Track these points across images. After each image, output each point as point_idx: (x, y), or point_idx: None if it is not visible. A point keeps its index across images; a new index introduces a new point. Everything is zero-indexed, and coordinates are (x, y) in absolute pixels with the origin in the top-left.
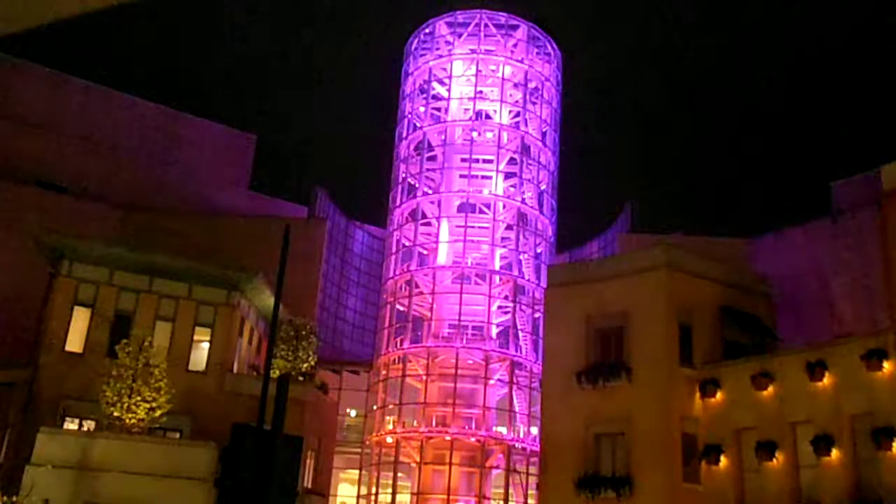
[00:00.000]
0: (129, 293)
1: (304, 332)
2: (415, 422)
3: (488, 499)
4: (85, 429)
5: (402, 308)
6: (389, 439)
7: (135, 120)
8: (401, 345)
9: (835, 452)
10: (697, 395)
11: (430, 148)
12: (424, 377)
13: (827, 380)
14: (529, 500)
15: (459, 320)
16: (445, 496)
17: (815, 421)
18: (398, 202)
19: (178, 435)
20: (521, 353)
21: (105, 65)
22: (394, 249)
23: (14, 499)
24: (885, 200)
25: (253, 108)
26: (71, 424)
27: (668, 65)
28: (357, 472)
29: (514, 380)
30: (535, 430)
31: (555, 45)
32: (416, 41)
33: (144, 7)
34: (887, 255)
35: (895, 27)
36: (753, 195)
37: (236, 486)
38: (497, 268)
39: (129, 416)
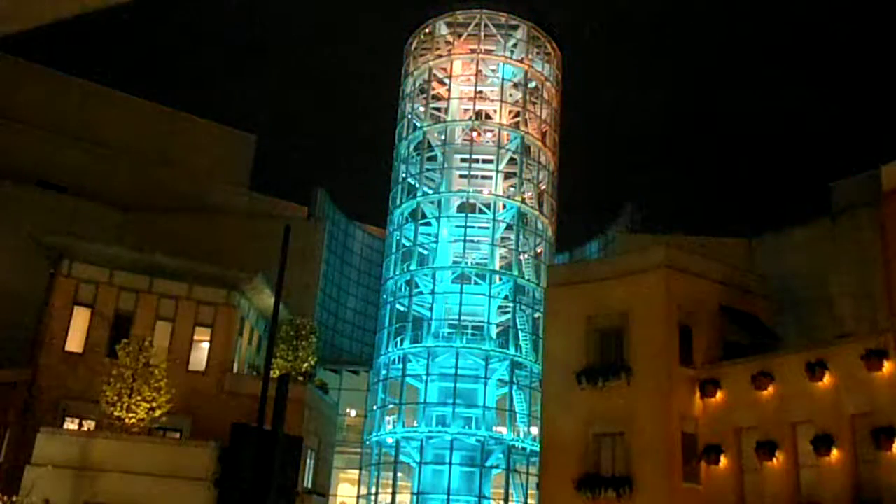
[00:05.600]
0: (129, 293)
1: (304, 332)
2: (415, 422)
3: (488, 499)
4: (85, 429)
5: (402, 308)
6: (389, 439)
7: (135, 120)
8: (401, 345)
9: (835, 452)
10: (697, 395)
11: (430, 148)
12: (424, 377)
13: (827, 380)
14: (529, 500)
15: (459, 320)
16: (445, 496)
17: (815, 421)
18: (398, 202)
19: (178, 435)
20: (521, 353)
21: (105, 65)
22: (394, 249)
23: (14, 499)
24: (885, 200)
25: (253, 108)
26: (71, 424)
27: (669, 64)
28: (357, 472)
29: (514, 380)
30: (535, 430)
31: (555, 45)
32: (416, 41)
33: (144, 7)
34: (887, 255)
35: (895, 27)
36: (753, 195)
37: (236, 486)
38: (497, 268)
39: (129, 416)
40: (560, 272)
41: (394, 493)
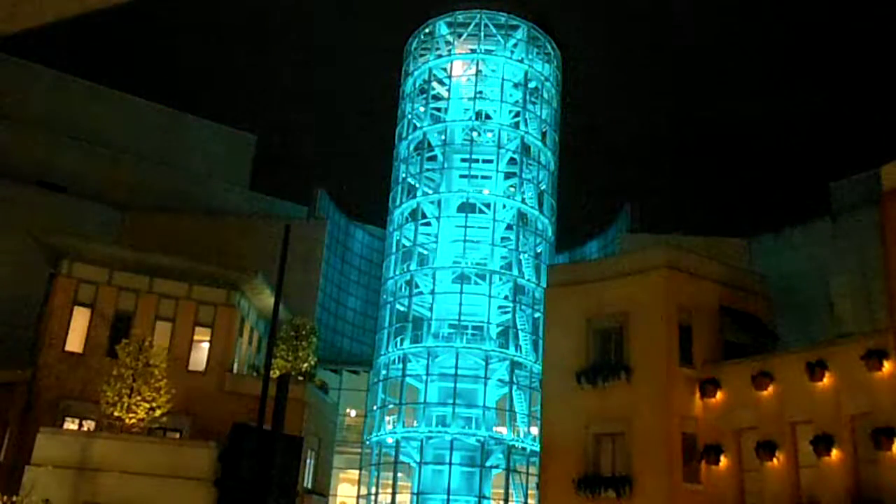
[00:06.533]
0: (129, 293)
1: (304, 332)
2: (415, 422)
3: (488, 499)
4: (85, 429)
5: (402, 308)
6: (389, 439)
7: (135, 120)
8: (401, 345)
9: (835, 452)
10: (697, 395)
11: (430, 148)
12: (424, 377)
13: (827, 380)
14: (529, 500)
15: (459, 320)
16: (445, 496)
17: (815, 421)
18: (398, 202)
19: (178, 435)
20: (521, 353)
21: (105, 65)
22: (394, 249)
23: (14, 499)
24: (885, 200)
25: (253, 108)
26: (71, 424)
27: (669, 64)
28: (357, 472)
29: (514, 380)
30: (535, 430)
31: (555, 45)
32: (416, 41)
33: (144, 7)
34: (887, 255)
35: (894, 26)
36: (753, 195)
37: (236, 486)
38: (497, 268)
39: (129, 416)
40: (560, 272)
41: (394, 493)
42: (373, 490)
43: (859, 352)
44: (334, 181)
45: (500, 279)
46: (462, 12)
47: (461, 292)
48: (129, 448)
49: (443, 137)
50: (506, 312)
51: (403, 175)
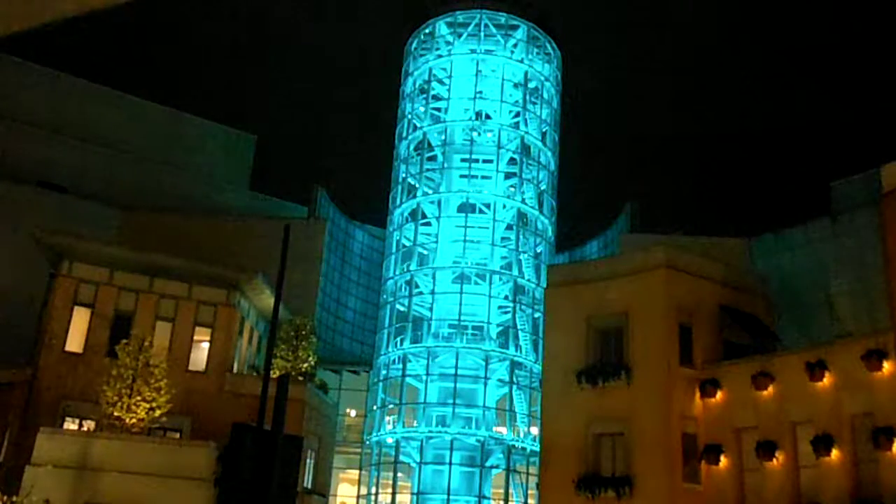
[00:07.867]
0: (129, 293)
1: (304, 332)
2: (415, 422)
3: (488, 499)
4: (85, 429)
5: (402, 308)
6: (389, 439)
7: (135, 120)
8: (401, 345)
9: (835, 452)
10: (697, 395)
11: (430, 148)
12: (424, 377)
13: (827, 380)
14: (529, 500)
15: (459, 320)
16: (445, 496)
17: (815, 421)
18: (398, 202)
19: (178, 435)
20: (521, 353)
21: (104, 65)
22: (394, 249)
23: (14, 499)
24: (885, 200)
25: (253, 107)
26: (71, 424)
27: (669, 64)
28: (357, 472)
29: (514, 380)
30: (535, 430)
31: (555, 45)
32: (416, 41)
33: (144, 7)
34: (887, 255)
35: (894, 26)
36: (753, 195)
37: (236, 486)
38: (497, 268)
39: (129, 416)
40: (560, 272)
41: (394, 493)
42: (373, 490)
43: (859, 352)
44: (334, 181)
45: (500, 279)
46: (462, 12)
47: (461, 292)
48: (129, 448)
49: (443, 137)
50: (506, 312)
51: (403, 175)
